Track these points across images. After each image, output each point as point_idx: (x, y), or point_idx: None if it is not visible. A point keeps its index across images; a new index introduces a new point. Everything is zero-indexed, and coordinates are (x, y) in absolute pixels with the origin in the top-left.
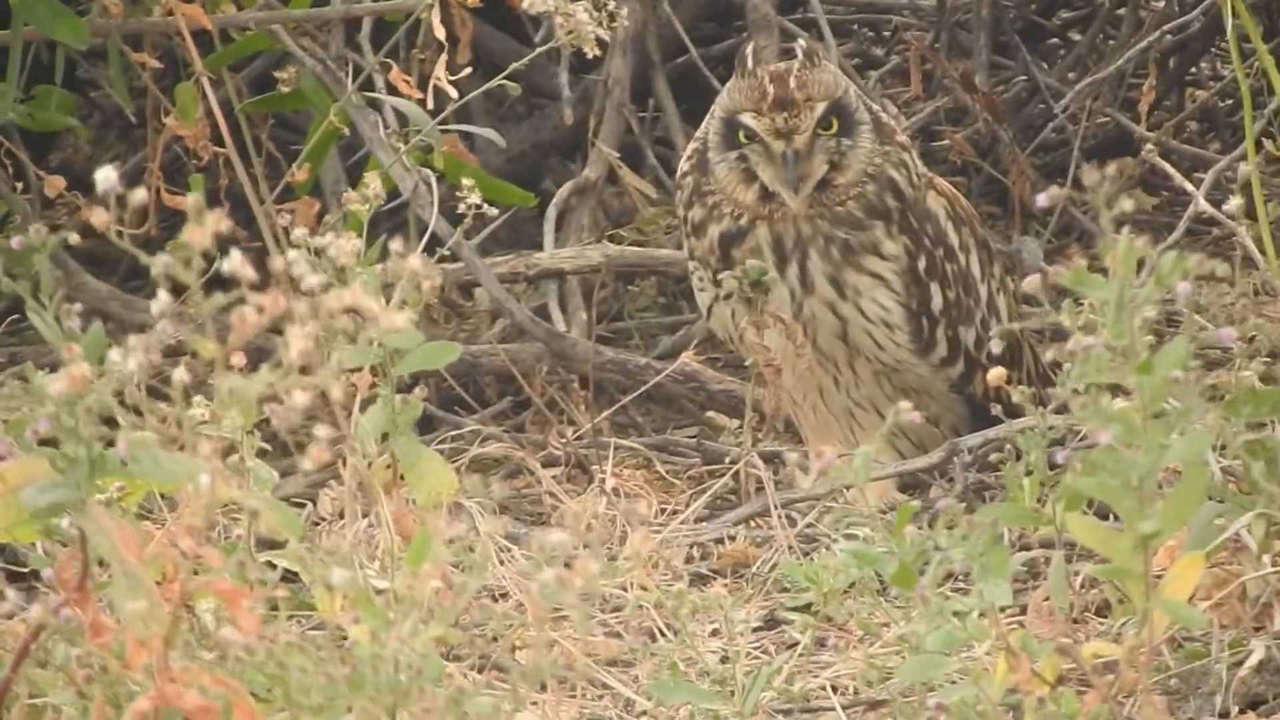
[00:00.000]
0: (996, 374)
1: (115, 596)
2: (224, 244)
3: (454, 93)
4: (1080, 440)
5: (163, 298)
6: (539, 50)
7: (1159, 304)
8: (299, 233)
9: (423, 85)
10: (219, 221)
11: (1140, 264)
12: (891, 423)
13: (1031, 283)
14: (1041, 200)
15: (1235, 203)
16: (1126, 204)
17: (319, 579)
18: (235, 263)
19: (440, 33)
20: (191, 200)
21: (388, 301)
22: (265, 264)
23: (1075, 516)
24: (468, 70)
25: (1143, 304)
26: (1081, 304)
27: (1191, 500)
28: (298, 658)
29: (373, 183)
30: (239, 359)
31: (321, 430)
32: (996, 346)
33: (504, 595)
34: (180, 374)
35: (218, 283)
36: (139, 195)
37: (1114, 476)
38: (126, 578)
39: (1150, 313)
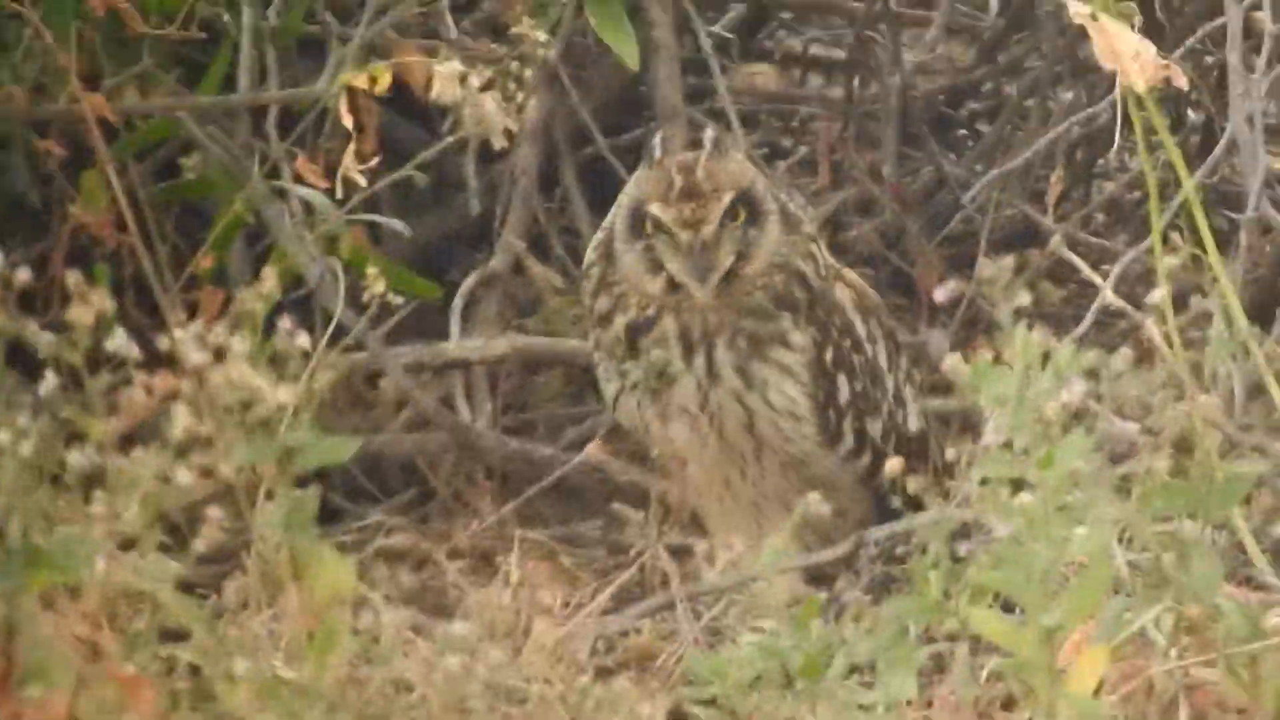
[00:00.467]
0: (894, 465)
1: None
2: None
3: (362, 181)
4: (986, 533)
5: (50, 378)
6: (447, 141)
7: (1070, 397)
8: (194, 328)
9: (329, 174)
10: (102, 301)
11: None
12: (800, 515)
13: (948, 363)
14: (939, 294)
15: (1159, 294)
16: (1024, 297)
17: (223, 670)
18: (121, 342)
19: (348, 122)
20: (73, 279)
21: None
22: (168, 351)
23: (979, 610)
24: (374, 160)
25: (1042, 397)
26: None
27: (1095, 592)
28: None
29: (269, 279)
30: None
31: (213, 511)
32: (914, 423)
33: (409, 688)
34: (76, 458)
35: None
36: (22, 276)
37: (1017, 570)
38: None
39: (1056, 405)
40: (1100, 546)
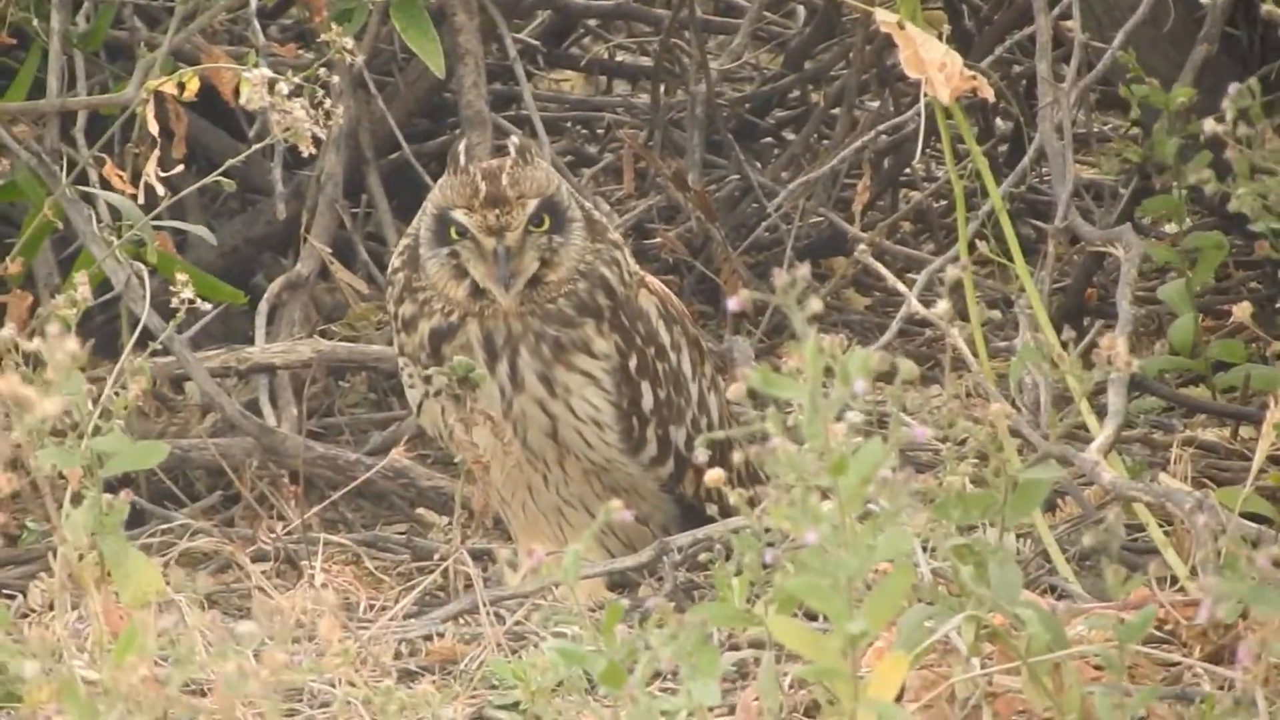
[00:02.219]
0: (714, 476)
1: None
2: None
3: (161, 189)
4: (790, 541)
5: None
6: (255, 147)
7: (868, 405)
8: (6, 332)
9: (136, 180)
10: None
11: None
12: (603, 521)
13: (735, 390)
14: (732, 304)
15: (943, 305)
16: (816, 304)
17: (19, 671)
18: None
19: (154, 128)
20: None
21: (94, 402)
22: None
23: (780, 619)
24: (180, 167)
25: (835, 404)
26: (788, 409)
27: (895, 598)
28: None
29: (82, 284)
30: None
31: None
32: (702, 455)
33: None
34: None
35: None
36: None
37: (822, 577)
38: None
39: (853, 414)
40: (900, 551)
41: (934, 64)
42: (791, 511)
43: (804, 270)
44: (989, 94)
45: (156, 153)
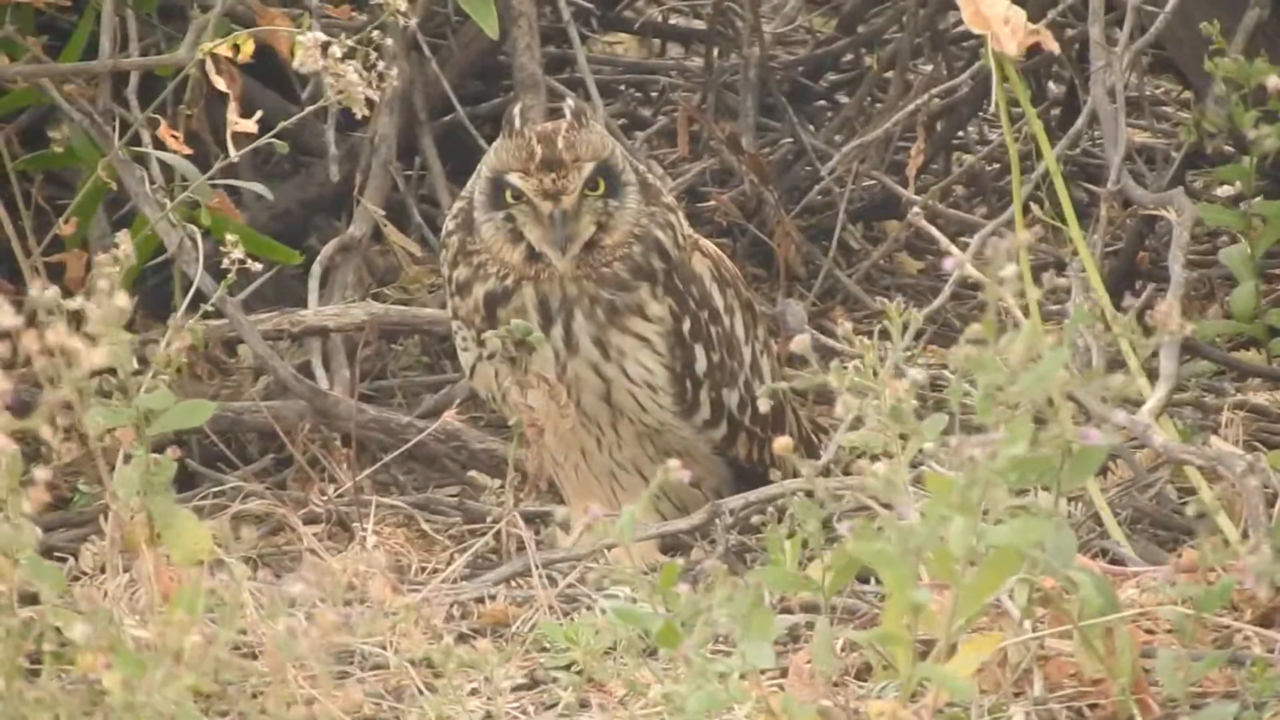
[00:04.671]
0: (783, 444)
1: None
2: None
3: (253, 128)
4: (845, 505)
5: None
6: (309, 110)
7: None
8: (51, 292)
9: (189, 140)
10: None
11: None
12: (660, 482)
13: (800, 343)
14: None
15: (1011, 269)
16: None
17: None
18: None
19: (222, 84)
20: None
21: (141, 361)
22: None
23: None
24: (253, 121)
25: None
26: (846, 366)
27: (997, 581)
28: (43, 713)
29: (124, 244)
30: None
31: (41, 473)
32: (764, 405)
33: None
34: None
35: None
36: None
37: (895, 545)
38: None
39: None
40: (1022, 540)
41: (998, 19)
42: (882, 483)
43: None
44: (1054, 46)
45: (234, 104)
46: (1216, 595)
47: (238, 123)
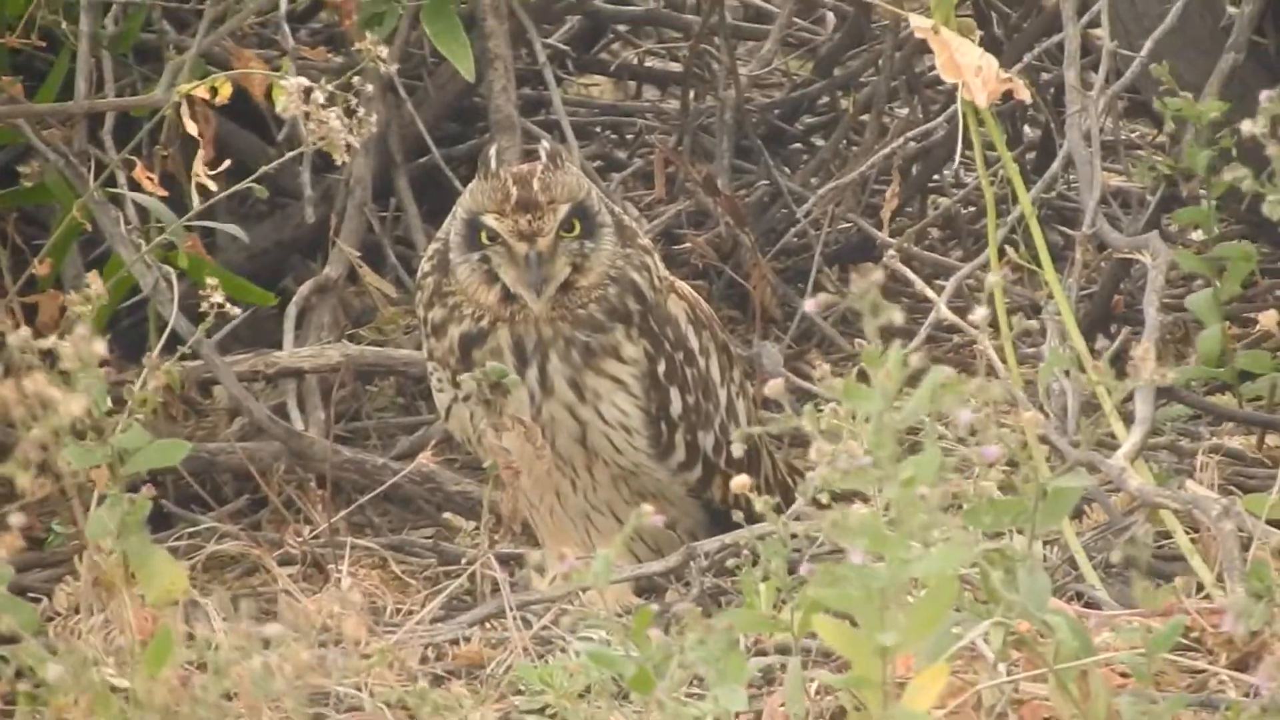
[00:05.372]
0: (740, 482)
1: None
2: None
3: (213, 186)
4: (819, 548)
5: None
6: (289, 155)
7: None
8: (23, 333)
9: (165, 182)
10: None
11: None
12: (634, 526)
13: (774, 387)
14: (808, 306)
15: (981, 313)
16: (896, 315)
17: (47, 676)
18: None
19: (194, 129)
20: None
21: (116, 401)
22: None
23: (823, 618)
24: (224, 165)
25: (908, 418)
26: (822, 410)
27: (937, 613)
28: None
29: (95, 283)
30: None
31: (15, 518)
32: (738, 449)
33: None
34: None
35: None
36: None
37: (857, 587)
38: None
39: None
40: (948, 568)
41: (970, 68)
42: (836, 525)
43: (876, 275)
44: (1025, 96)
45: (202, 152)
46: (1166, 636)
47: (199, 175)
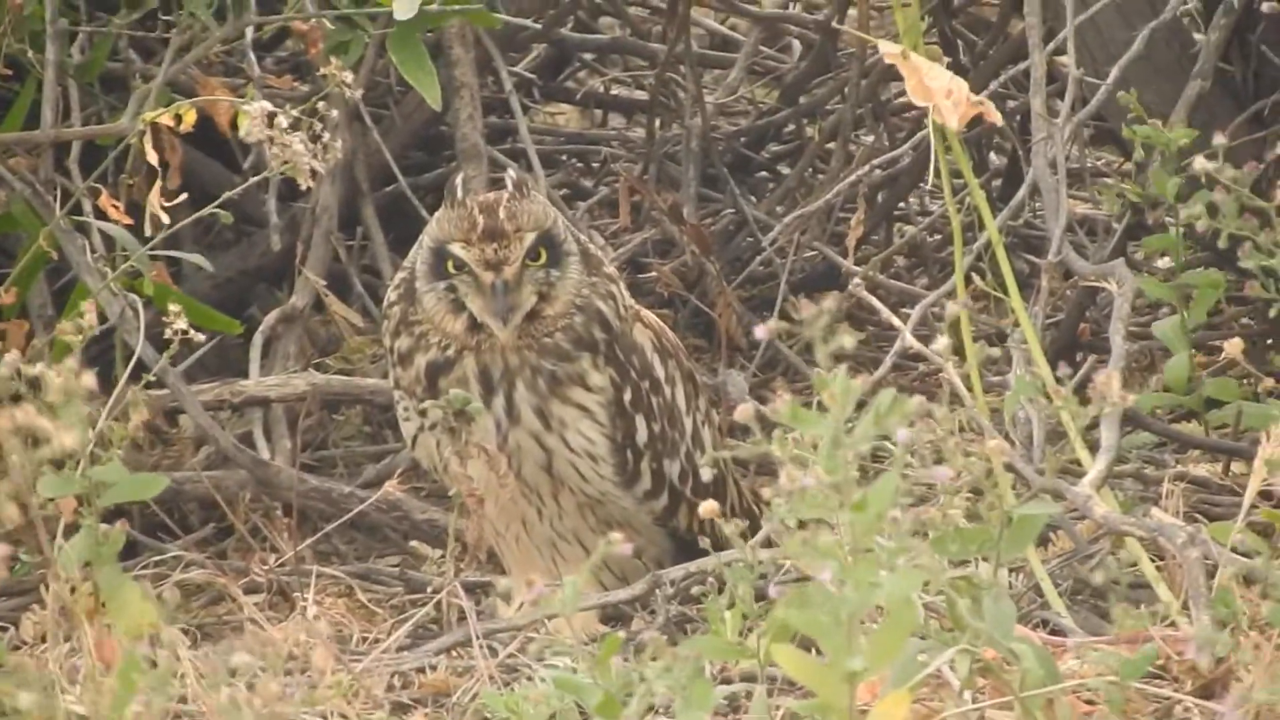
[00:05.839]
0: (708, 508)
1: None
2: None
3: (166, 219)
4: (785, 574)
5: None
6: (253, 181)
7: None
8: (10, 358)
9: (131, 210)
10: None
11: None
12: (602, 554)
13: (744, 412)
14: (759, 332)
15: (943, 342)
16: (846, 340)
17: (9, 704)
18: None
19: (154, 158)
20: None
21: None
22: None
23: (783, 648)
24: (182, 197)
25: (858, 442)
26: (791, 437)
27: (899, 637)
28: None
29: (88, 311)
30: None
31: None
32: (706, 473)
33: None
34: None
35: None
36: None
37: (824, 613)
38: None
39: (863, 449)
40: (906, 591)
41: (941, 91)
42: (803, 548)
43: (828, 303)
44: (997, 119)
45: (160, 182)
46: (1138, 664)
47: (153, 205)
